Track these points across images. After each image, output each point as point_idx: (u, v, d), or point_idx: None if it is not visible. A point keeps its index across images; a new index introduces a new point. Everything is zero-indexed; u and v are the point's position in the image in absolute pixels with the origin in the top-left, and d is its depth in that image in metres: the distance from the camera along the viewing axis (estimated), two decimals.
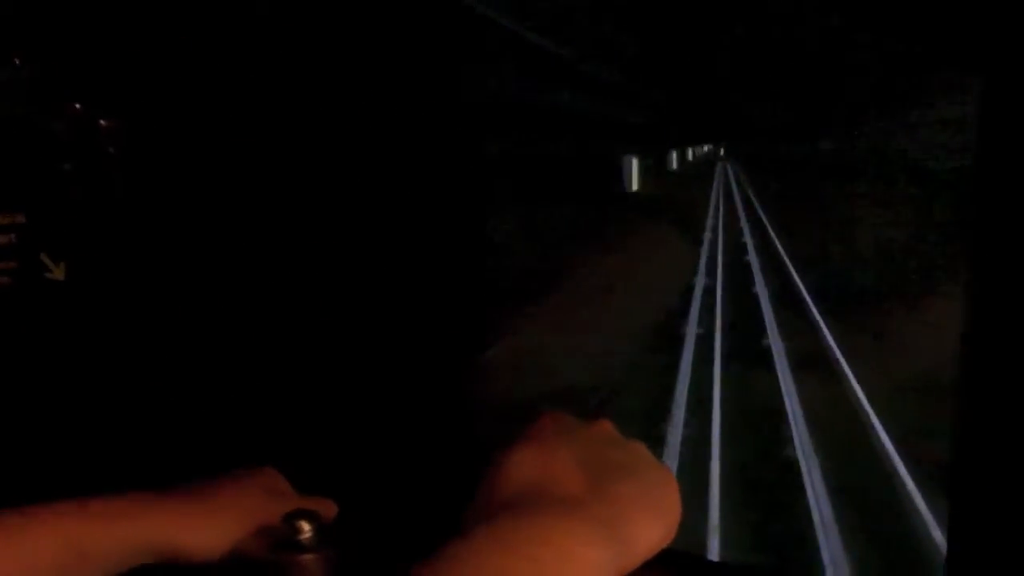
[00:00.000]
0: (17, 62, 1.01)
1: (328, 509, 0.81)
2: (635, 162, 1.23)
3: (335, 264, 1.04)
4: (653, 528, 0.55)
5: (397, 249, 1.03)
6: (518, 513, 0.52)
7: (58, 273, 1.05)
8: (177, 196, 1.09)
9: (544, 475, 0.55)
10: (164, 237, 1.09)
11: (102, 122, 1.04)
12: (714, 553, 1.14)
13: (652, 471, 0.59)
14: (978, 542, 0.78)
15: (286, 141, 1.04)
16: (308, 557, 0.72)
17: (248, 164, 1.06)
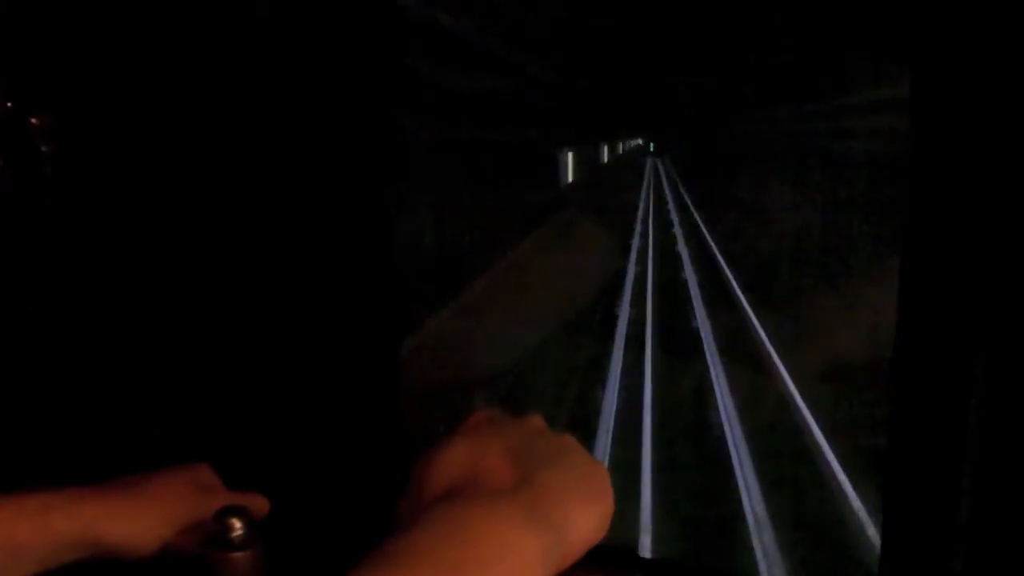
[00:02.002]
0: None
1: (259, 505, 0.81)
2: (570, 155, 1.25)
3: (259, 261, 1.04)
4: (587, 514, 0.57)
5: (318, 245, 1.03)
6: (451, 507, 0.53)
7: None
8: (100, 193, 1.08)
9: (476, 468, 0.56)
10: (90, 235, 1.08)
11: (33, 120, 1.02)
12: (647, 549, 1.15)
13: (581, 460, 0.61)
14: (911, 528, 0.80)
15: (203, 135, 1.03)
16: (239, 554, 0.73)
17: (167, 161, 1.05)
